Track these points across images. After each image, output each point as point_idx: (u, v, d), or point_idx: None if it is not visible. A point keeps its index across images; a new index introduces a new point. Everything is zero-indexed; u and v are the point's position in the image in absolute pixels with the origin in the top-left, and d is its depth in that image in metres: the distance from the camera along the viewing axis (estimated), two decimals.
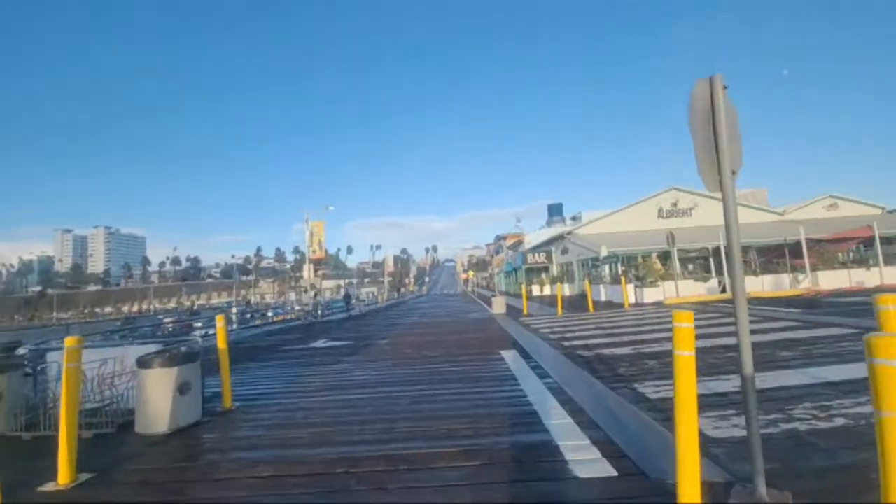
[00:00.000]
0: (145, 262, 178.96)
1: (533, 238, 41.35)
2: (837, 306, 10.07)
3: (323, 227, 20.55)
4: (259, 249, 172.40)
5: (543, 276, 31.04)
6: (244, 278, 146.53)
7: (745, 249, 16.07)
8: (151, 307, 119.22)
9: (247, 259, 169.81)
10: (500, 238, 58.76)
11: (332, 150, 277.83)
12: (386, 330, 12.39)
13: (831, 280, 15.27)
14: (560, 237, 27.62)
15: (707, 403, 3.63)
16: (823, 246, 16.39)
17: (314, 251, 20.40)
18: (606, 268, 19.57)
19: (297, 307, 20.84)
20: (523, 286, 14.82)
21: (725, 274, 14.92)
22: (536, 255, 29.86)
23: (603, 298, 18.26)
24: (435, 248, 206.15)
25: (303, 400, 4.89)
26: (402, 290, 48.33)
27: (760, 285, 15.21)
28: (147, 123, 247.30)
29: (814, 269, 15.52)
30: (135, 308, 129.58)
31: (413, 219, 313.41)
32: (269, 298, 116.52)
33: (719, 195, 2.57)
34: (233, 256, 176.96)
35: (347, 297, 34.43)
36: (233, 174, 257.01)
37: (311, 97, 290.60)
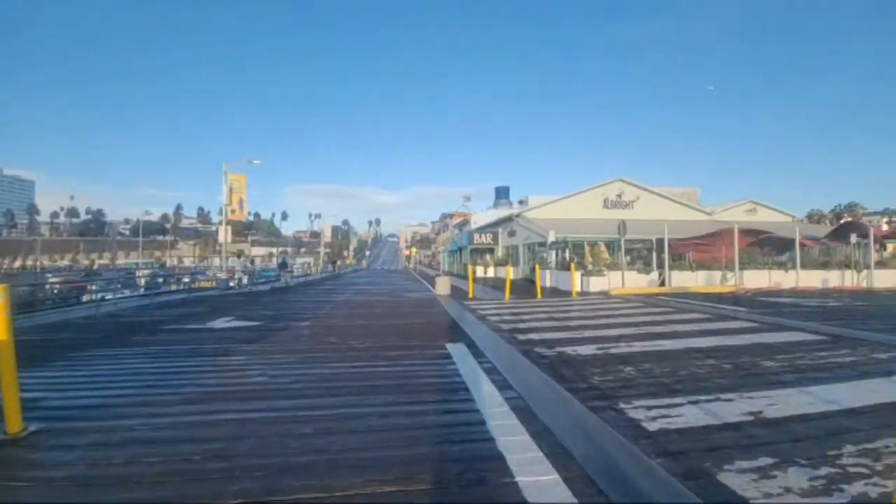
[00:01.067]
0: (33, 210, 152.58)
1: (480, 218, 40.73)
2: (778, 307, 10.22)
3: (245, 182, 17.67)
4: (179, 207, 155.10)
5: (488, 257, 30.55)
6: (160, 238, 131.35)
7: (680, 244, 16.48)
8: (38, 264, 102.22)
9: (164, 217, 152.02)
10: (446, 216, 57.71)
11: (273, 104, 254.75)
12: (312, 308, 10.59)
13: (754, 279, 16.14)
14: (508, 219, 27.06)
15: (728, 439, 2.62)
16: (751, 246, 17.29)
17: (233, 211, 17.53)
18: (553, 253, 19.21)
19: (219, 274, 17.95)
20: (470, 267, 13.78)
21: (666, 267, 15.06)
22: (483, 235, 29.14)
23: (548, 284, 17.87)
24: (378, 222, 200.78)
25: (149, 421, 3.18)
26: (339, 262, 45.36)
27: (695, 280, 15.64)
28: (36, 38, 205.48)
29: (741, 267, 16.28)
30: (17, 263, 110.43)
31: (358, 188, 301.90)
32: (188, 262, 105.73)
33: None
34: (147, 212, 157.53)
35: (283, 265, 31.22)
36: (151, 117, 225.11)
37: (252, 39, 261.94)
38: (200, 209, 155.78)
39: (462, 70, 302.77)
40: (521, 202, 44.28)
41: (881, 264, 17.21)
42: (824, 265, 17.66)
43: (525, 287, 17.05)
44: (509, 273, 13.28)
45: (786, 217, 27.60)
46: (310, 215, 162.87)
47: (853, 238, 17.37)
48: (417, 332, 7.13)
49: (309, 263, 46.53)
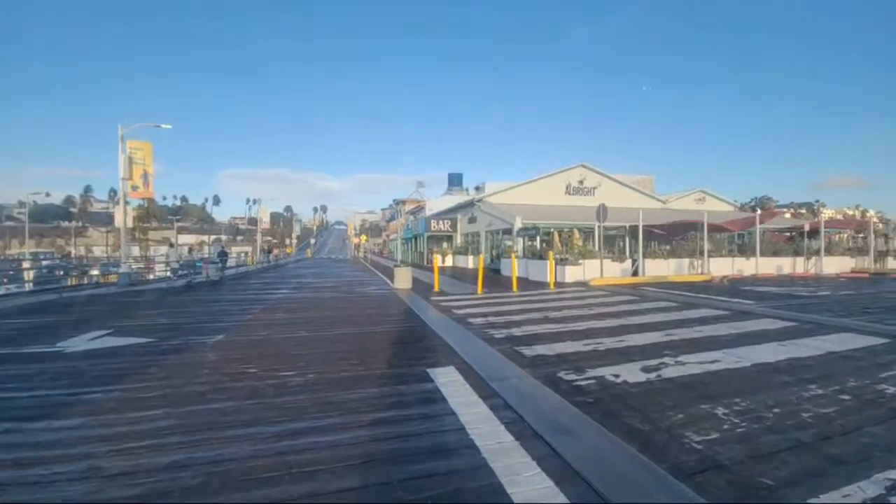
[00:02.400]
0: None
1: (436, 205, 38.71)
2: (777, 299, 9.44)
3: (150, 151, 14.09)
4: (88, 189, 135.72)
5: (445, 245, 28.76)
6: (65, 224, 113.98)
7: (647, 232, 15.81)
8: None
9: (68, 200, 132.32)
10: (398, 202, 54.93)
11: (205, 77, 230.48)
12: (234, 312, 8.05)
13: (719, 266, 15.90)
14: (469, 204, 25.36)
15: None
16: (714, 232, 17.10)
17: (134, 186, 13.93)
18: (521, 241, 17.82)
19: (121, 267, 14.24)
20: (435, 256, 11.82)
21: (640, 256, 14.18)
22: (441, 222, 27.23)
23: (518, 273, 16.43)
24: (324, 209, 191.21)
25: None
26: (277, 251, 40.39)
27: (667, 269, 15.01)
28: None
29: (709, 255, 15.99)
30: None
31: (302, 174, 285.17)
32: (99, 252, 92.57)
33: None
34: (47, 195, 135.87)
35: (223, 254, 26.23)
36: (53, 83, 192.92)
37: (184, 7, 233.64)
38: (113, 191, 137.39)
39: (413, 54, 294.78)
40: (477, 188, 42.81)
41: (827, 252, 17.84)
42: (775, 253, 17.98)
43: (493, 278, 15.46)
44: (481, 263, 11.53)
45: (729, 206, 28.75)
46: (247, 201, 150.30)
47: (806, 227, 17.88)
48: (383, 347, 5.07)
49: (247, 252, 41.72)
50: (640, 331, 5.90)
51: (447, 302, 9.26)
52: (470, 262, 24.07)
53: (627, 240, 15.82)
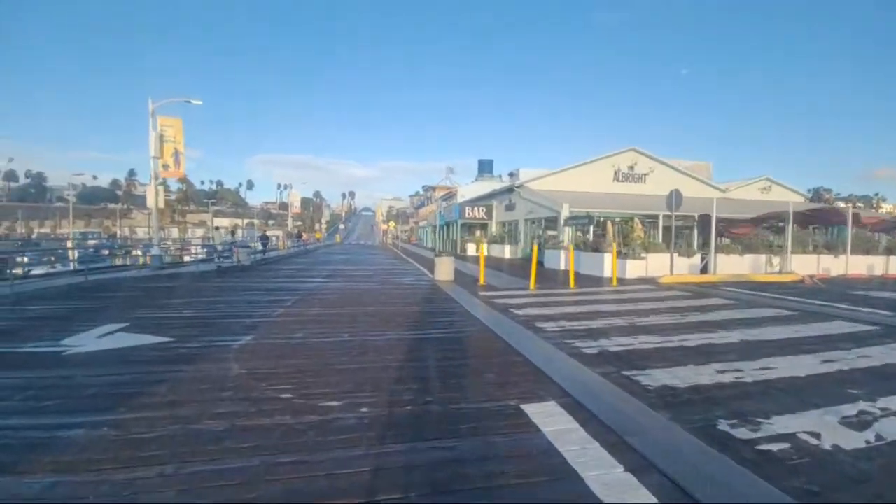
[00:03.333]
0: None
1: (468, 191, 37.30)
2: None
3: (181, 128, 13.44)
4: (132, 172, 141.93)
5: (479, 233, 27.43)
6: (111, 206, 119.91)
7: (731, 223, 13.88)
8: None
9: (115, 183, 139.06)
10: (428, 189, 53.79)
11: (240, 68, 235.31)
12: (263, 306, 7.14)
13: (803, 264, 13.86)
14: (506, 190, 23.85)
15: None
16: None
17: (165, 165, 13.36)
18: (567, 231, 16.28)
19: (153, 249, 13.90)
20: (482, 246, 10.62)
21: (712, 251, 12.40)
22: (476, 209, 25.86)
23: (562, 267, 15.00)
24: (352, 195, 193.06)
25: None
26: (306, 236, 39.99)
27: (743, 266, 13.14)
28: None
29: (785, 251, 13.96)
30: None
31: (331, 160, 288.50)
32: (142, 233, 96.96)
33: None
34: (94, 177, 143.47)
35: (265, 240, 25.79)
36: (101, 77, 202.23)
37: (221, 14, 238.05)
38: (155, 174, 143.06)
39: (440, 39, 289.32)
40: (511, 174, 41.03)
41: None
42: (867, 251, 15.62)
43: (538, 271, 14.07)
44: (535, 254, 10.17)
45: (798, 196, 25.83)
46: (278, 185, 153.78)
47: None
48: (449, 363, 3.93)
49: (279, 237, 41.87)
50: (779, 352, 4.49)
51: (501, 299, 8.04)
52: (507, 251, 22.71)
53: (695, 232, 14.04)
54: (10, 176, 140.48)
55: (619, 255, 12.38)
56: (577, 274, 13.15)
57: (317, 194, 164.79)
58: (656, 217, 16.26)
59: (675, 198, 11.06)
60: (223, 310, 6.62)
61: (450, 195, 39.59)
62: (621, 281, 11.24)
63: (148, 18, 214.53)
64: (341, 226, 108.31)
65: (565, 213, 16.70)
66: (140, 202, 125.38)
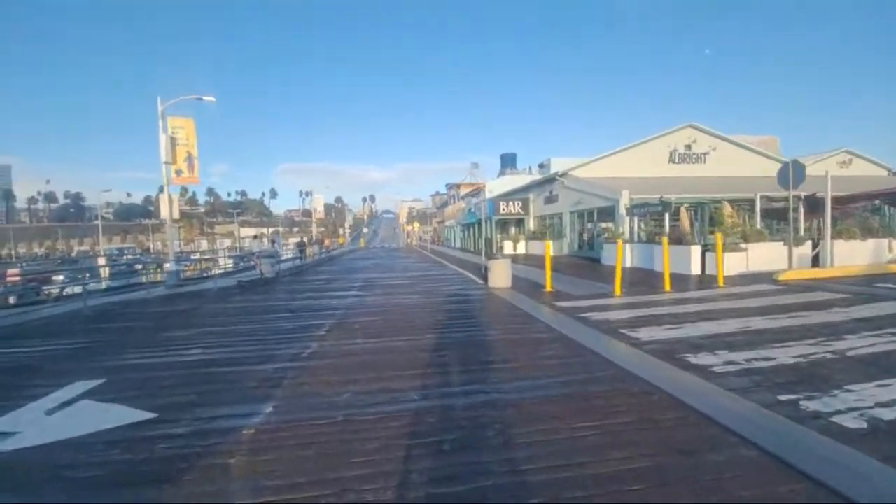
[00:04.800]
0: (9, 196, 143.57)
1: (495, 186, 35.22)
2: None
3: (193, 129, 12.09)
4: (162, 188, 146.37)
5: (514, 230, 25.36)
6: (145, 221, 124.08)
7: (841, 201, 11.35)
8: (12, 252, 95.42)
9: (147, 199, 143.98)
10: (452, 186, 51.94)
11: (259, 83, 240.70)
12: (287, 340, 5.44)
13: None
14: (546, 181, 21.70)
15: None
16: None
17: (178, 171, 12.04)
18: (630, 221, 14.06)
19: (167, 265, 12.69)
20: (547, 245, 8.51)
21: (828, 238, 9.95)
22: (511, 203, 23.81)
23: (627, 264, 12.85)
24: (373, 198, 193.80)
25: None
26: (328, 242, 36.42)
27: (866, 255, 10.63)
28: (6, 17, 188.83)
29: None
30: None
31: (349, 166, 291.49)
32: (175, 247, 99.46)
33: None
34: (128, 195, 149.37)
35: (302, 247, 24.56)
36: (131, 98, 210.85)
37: (241, 28, 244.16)
38: (184, 189, 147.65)
39: (452, 34, 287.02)
40: (541, 166, 38.67)
41: None
42: None
43: (599, 270, 11.98)
44: (619, 252, 8.09)
45: (882, 170, 22.50)
46: (300, 193, 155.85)
47: None
48: (636, 475, 2.03)
49: (323, 244, 40.79)
50: None
51: (590, 312, 6.09)
52: (552, 248, 20.54)
53: (803, 215, 11.57)
54: (50, 197, 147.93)
55: (707, 248, 10.17)
56: (650, 272, 10.99)
57: (338, 199, 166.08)
58: (738, 200, 13.78)
59: (793, 171, 8.75)
60: (238, 347, 4.96)
61: (477, 191, 37.60)
62: (724, 279, 9.04)
63: (164, 36, 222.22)
64: (365, 230, 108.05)
65: (625, 200, 14.49)
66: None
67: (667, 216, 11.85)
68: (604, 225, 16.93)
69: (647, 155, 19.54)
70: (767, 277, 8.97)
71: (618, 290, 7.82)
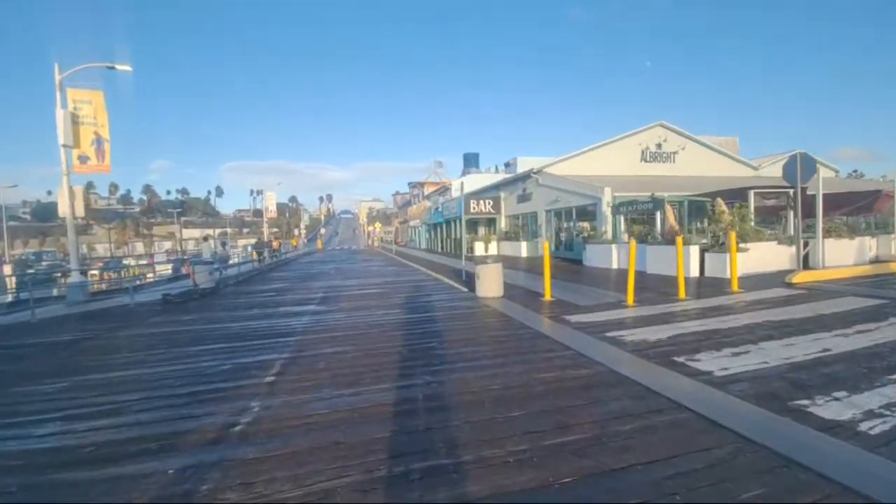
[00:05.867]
0: None
1: (463, 184, 34.07)
2: None
3: (102, 104, 9.68)
4: (90, 185, 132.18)
5: (484, 230, 24.24)
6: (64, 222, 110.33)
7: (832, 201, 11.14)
8: None
9: None
10: (415, 185, 50.25)
11: (204, 73, 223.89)
12: (209, 395, 3.71)
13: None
14: (519, 178, 20.72)
15: None
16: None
17: (82, 157, 9.59)
18: (615, 220, 13.29)
19: (72, 276, 10.01)
20: (545, 244, 7.21)
21: (820, 238, 9.53)
22: (482, 202, 22.65)
23: (615, 266, 12.03)
24: (330, 198, 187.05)
25: None
26: (276, 243, 28.63)
27: (853, 254, 10.41)
28: None
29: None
30: None
31: (306, 165, 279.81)
32: (101, 249, 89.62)
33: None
34: (48, 193, 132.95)
35: (261, 246, 23.37)
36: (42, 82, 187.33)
37: (186, 11, 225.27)
38: (114, 185, 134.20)
39: (408, 38, 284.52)
40: (507, 165, 38.06)
41: None
42: None
43: (586, 273, 11.02)
44: (633, 252, 6.95)
45: (831, 172, 23.78)
46: (251, 192, 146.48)
47: None
48: None
49: (251, 246, 37.34)
50: None
51: (618, 330, 4.88)
52: (524, 249, 19.64)
53: (792, 213, 11.29)
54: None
55: (709, 247, 9.46)
56: (649, 276, 10.14)
57: (293, 199, 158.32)
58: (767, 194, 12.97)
59: (801, 164, 8.13)
60: (126, 415, 3.18)
61: (443, 189, 36.32)
62: (726, 282, 8.27)
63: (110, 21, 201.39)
64: (322, 230, 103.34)
65: (608, 198, 13.72)
66: (100, 216, 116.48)
67: (658, 215, 11.10)
68: (583, 224, 16.19)
69: (619, 153, 19.15)
70: (775, 280, 8.31)
71: (630, 299, 6.72)
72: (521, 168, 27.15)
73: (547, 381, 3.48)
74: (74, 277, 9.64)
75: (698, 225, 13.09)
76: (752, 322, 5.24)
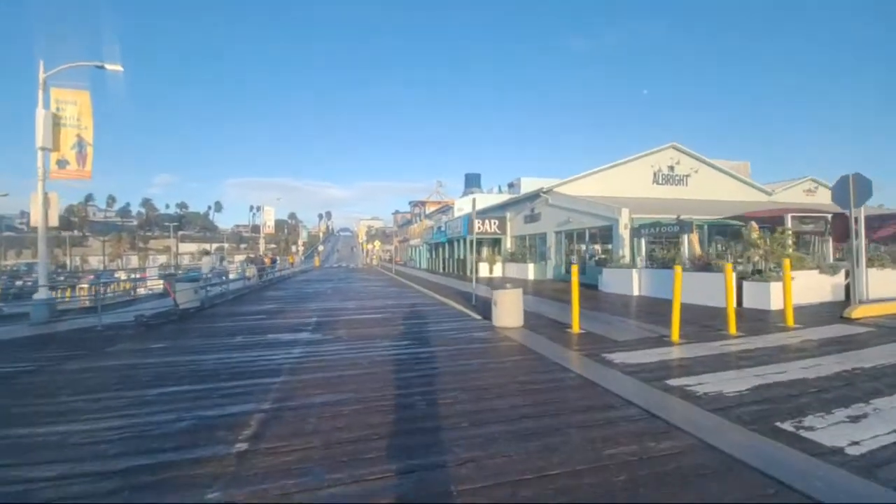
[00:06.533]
0: None
1: (465, 204, 33.47)
2: None
3: (88, 104, 8.91)
4: (90, 197, 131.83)
5: (488, 250, 23.39)
6: (64, 233, 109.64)
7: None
8: None
9: (69, 209, 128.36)
10: (416, 204, 49.71)
11: (206, 89, 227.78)
12: (161, 472, 2.71)
13: None
14: (528, 198, 20.01)
15: None
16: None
17: (61, 161, 8.76)
18: (635, 244, 12.46)
19: (38, 292, 8.93)
20: (574, 268, 6.24)
21: (863, 267, 8.67)
22: (487, 221, 21.88)
23: (635, 292, 11.12)
24: (329, 215, 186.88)
25: None
26: (268, 259, 27.67)
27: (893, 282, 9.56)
28: None
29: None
30: None
31: (307, 182, 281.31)
32: (95, 262, 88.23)
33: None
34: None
35: (257, 262, 22.97)
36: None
37: (190, 19, 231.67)
38: (112, 198, 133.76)
39: (413, 57, 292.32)
40: (511, 185, 37.56)
41: None
42: None
43: (605, 298, 10.08)
44: (678, 281, 6.02)
45: None
46: (251, 208, 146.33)
47: None
48: None
49: (250, 261, 36.25)
50: None
51: (678, 378, 3.93)
52: (531, 272, 18.74)
53: (829, 237, 10.45)
54: None
55: (751, 275, 8.58)
56: (658, 301, 9.20)
57: (292, 216, 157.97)
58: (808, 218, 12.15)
59: (855, 186, 7.33)
60: None
61: (446, 208, 35.65)
62: (771, 315, 7.34)
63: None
64: (320, 247, 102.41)
65: (625, 220, 12.93)
66: (97, 228, 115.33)
67: (686, 238, 10.26)
68: (597, 247, 15.38)
69: (631, 174, 18.54)
70: (826, 313, 7.41)
71: (676, 334, 5.78)
72: (525, 189, 26.59)
73: (625, 462, 2.51)
74: (41, 294, 8.61)
75: (720, 249, 12.24)
76: (840, 369, 4.30)
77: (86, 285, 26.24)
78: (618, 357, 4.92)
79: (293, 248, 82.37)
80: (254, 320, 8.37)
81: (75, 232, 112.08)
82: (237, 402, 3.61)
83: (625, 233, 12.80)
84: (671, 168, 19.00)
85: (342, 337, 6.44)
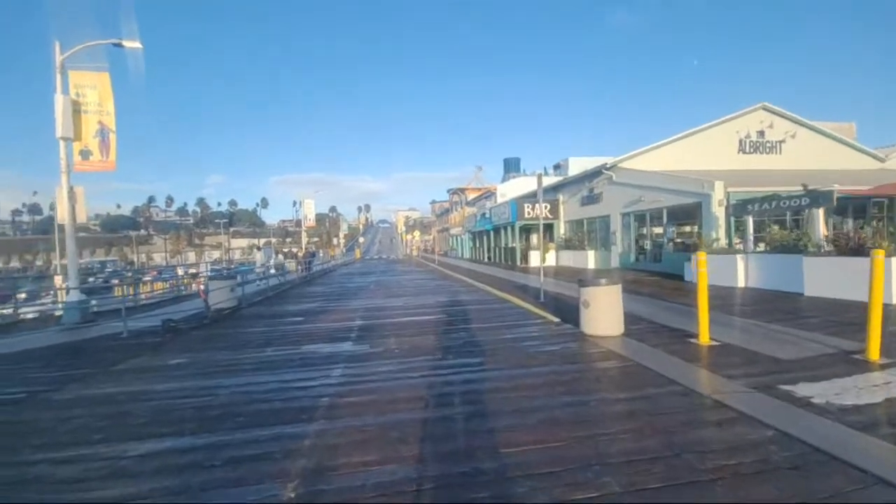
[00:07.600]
0: None
1: (508, 189, 31.53)
2: None
3: (108, 87, 8.15)
4: (152, 199, 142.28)
5: (536, 237, 21.46)
6: (131, 233, 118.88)
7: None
8: None
9: (136, 210, 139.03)
10: (455, 191, 48.12)
11: (253, 92, 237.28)
12: None
13: None
14: (588, 176, 17.85)
15: None
16: None
17: (84, 151, 8.07)
18: (726, 224, 10.24)
19: (69, 294, 8.44)
20: (702, 257, 4.37)
21: None
22: (538, 206, 19.90)
23: (741, 283, 9.02)
24: (368, 208, 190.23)
25: None
26: (301, 253, 28.03)
27: None
28: None
29: None
30: None
31: (344, 177, 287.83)
32: (158, 258, 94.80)
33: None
34: (118, 206, 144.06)
35: (311, 257, 24.71)
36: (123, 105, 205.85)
37: (232, 27, 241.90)
38: (170, 199, 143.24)
39: (446, 43, 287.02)
40: (557, 167, 35.08)
41: None
42: None
43: (692, 292, 8.08)
44: (880, 273, 4.10)
45: None
46: (294, 203, 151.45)
47: None
48: None
49: (295, 255, 36.57)
50: None
51: None
52: (591, 259, 16.73)
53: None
54: (35, 209, 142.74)
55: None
56: (816, 300, 7.10)
57: (332, 209, 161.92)
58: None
59: None
60: None
61: (488, 194, 33.87)
62: None
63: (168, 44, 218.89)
64: (361, 239, 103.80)
65: (719, 195, 10.68)
66: (160, 227, 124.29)
67: (819, 213, 7.98)
68: (677, 229, 13.15)
69: (710, 144, 15.85)
70: None
71: (875, 351, 3.90)
72: (574, 170, 24.25)
73: None
74: (73, 296, 8.05)
75: (855, 227, 9.71)
76: None
77: (149, 279, 27.33)
78: (799, 390, 3.19)
79: (334, 241, 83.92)
80: (290, 324, 7.30)
81: (141, 231, 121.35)
82: (248, 480, 2.31)
83: (719, 210, 10.56)
84: (761, 133, 16.05)
85: (392, 350, 5.11)
